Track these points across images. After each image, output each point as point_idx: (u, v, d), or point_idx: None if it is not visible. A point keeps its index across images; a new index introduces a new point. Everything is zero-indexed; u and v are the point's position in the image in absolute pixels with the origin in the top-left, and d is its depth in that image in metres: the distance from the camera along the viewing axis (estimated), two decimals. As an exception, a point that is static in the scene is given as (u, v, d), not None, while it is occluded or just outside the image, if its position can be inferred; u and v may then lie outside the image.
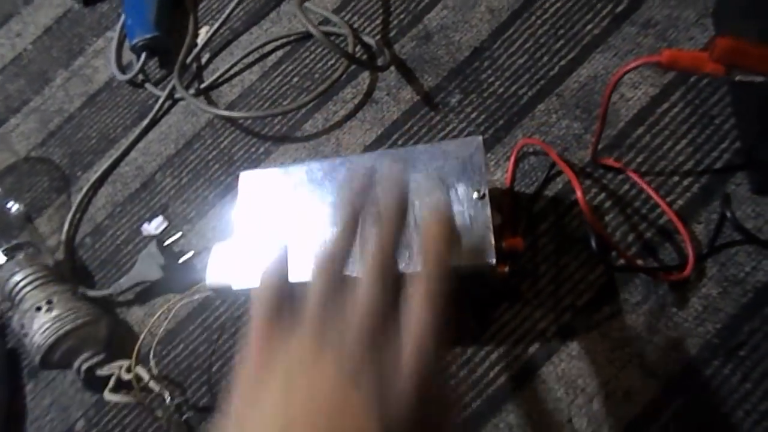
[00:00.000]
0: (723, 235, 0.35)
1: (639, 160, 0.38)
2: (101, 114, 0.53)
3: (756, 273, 0.34)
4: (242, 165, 0.47)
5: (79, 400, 0.43)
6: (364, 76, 0.47)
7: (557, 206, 0.38)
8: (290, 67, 0.49)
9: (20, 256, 0.43)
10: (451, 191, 0.32)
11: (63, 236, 0.48)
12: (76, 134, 0.53)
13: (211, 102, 0.50)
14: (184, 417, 0.38)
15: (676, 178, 0.37)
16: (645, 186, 0.37)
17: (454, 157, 0.33)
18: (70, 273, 0.46)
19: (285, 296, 0.25)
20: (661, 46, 0.40)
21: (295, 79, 0.48)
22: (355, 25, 0.48)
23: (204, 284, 0.38)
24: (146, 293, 0.45)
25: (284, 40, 0.50)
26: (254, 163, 0.47)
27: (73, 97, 0.55)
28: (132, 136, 0.51)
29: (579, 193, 0.33)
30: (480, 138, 0.33)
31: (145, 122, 0.50)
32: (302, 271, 0.27)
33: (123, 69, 0.54)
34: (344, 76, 0.46)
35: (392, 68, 0.46)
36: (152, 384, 0.36)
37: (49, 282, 0.43)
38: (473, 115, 0.43)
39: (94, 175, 0.50)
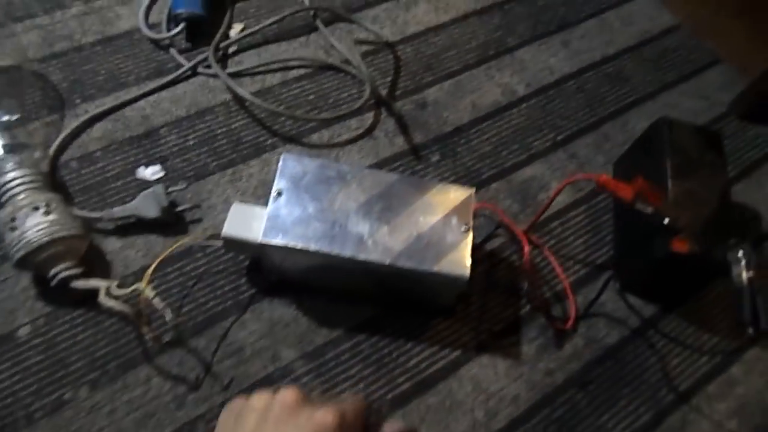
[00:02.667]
0: (593, 308, 0.51)
1: (552, 242, 0.53)
2: (115, 57, 0.56)
3: (607, 337, 0.50)
4: (249, 149, 0.54)
5: (30, 307, 0.44)
6: (369, 116, 0.58)
7: (491, 257, 0.52)
8: (309, 86, 0.58)
9: (23, 154, 0.45)
10: (445, 219, 0.44)
11: (50, 152, 0.50)
12: (82, 65, 0.55)
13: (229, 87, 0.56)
14: (165, 338, 0.42)
15: (571, 262, 0.53)
16: (553, 261, 0.52)
17: (452, 195, 0.45)
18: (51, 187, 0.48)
19: None
20: (576, 172, 0.58)
21: (311, 97, 0.58)
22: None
23: (211, 233, 0.43)
24: (128, 228, 0.48)
25: (310, 63, 0.59)
26: (260, 151, 0.54)
27: (87, 31, 0.57)
28: (145, 88, 0.55)
29: (526, 249, 0.46)
30: (474, 189, 0.45)
31: (162, 81, 0.55)
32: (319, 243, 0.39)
33: (148, 26, 0.58)
34: (356, 109, 0.56)
35: (393, 119, 0.58)
36: (156, 301, 0.40)
37: (46, 188, 0.45)
38: (446, 174, 0.55)
39: (95, 108, 0.53)
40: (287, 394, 0.28)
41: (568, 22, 0.69)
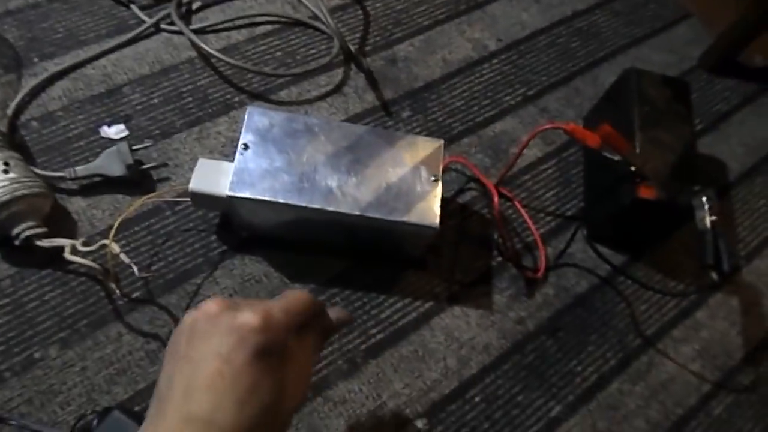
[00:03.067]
0: (563, 258, 0.51)
1: (523, 195, 0.54)
2: (74, 14, 0.54)
3: (576, 287, 0.51)
4: (216, 106, 0.53)
5: (-6, 269, 0.43)
6: (338, 72, 0.57)
7: (463, 210, 0.52)
8: (276, 42, 0.57)
9: (-22, 113, 0.43)
10: (414, 170, 0.44)
11: (8, 111, 0.48)
12: (39, 23, 0.53)
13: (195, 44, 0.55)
14: (135, 295, 0.41)
15: (542, 214, 0.53)
16: (524, 213, 0.52)
17: (421, 147, 0.45)
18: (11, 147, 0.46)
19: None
20: (548, 127, 0.58)
21: (278, 53, 0.56)
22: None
23: (181, 189, 0.43)
24: (94, 187, 0.47)
25: (276, 19, 0.58)
26: (227, 108, 0.53)
27: (42, -13, 0.55)
28: (105, 45, 0.53)
29: (496, 200, 0.46)
30: (442, 141, 0.45)
31: (124, 38, 0.53)
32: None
33: (107, -18, 0.56)
34: (325, 65, 0.55)
35: (362, 75, 0.57)
36: (123, 256, 0.39)
37: (4, 147, 0.43)
38: (417, 130, 0.55)
39: (54, 67, 0.51)
40: (209, 305, 0.27)
41: (539, -24, 0.68)
